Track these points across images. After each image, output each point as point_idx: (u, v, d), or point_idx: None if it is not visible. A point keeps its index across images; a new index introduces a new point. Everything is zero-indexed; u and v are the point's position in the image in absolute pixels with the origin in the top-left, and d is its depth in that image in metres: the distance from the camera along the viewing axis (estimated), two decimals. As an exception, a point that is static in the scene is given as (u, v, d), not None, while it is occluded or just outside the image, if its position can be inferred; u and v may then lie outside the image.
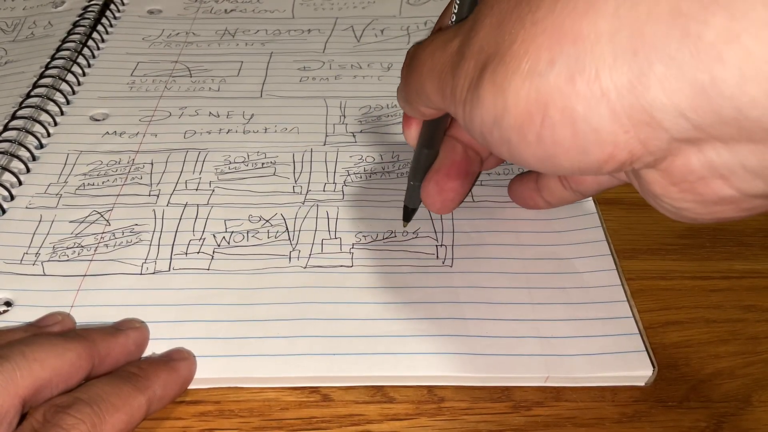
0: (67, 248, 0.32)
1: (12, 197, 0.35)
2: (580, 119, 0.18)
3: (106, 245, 0.32)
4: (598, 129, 0.18)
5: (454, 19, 0.26)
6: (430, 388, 0.27)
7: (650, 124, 0.18)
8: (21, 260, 0.31)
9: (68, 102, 0.41)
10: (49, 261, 0.31)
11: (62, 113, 0.40)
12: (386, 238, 0.33)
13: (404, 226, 0.33)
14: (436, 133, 0.30)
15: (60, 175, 0.36)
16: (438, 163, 0.30)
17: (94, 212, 0.34)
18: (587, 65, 0.18)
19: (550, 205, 0.32)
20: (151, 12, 0.50)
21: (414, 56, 0.26)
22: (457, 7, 0.26)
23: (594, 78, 0.18)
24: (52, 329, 0.27)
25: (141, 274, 0.31)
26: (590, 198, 0.34)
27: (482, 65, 0.21)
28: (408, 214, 0.33)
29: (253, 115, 0.40)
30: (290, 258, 0.32)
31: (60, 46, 0.45)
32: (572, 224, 0.33)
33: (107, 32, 0.47)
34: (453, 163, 0.30)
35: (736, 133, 0.17)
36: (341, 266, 0.31)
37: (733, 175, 0.18)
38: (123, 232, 0.33)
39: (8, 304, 0.30)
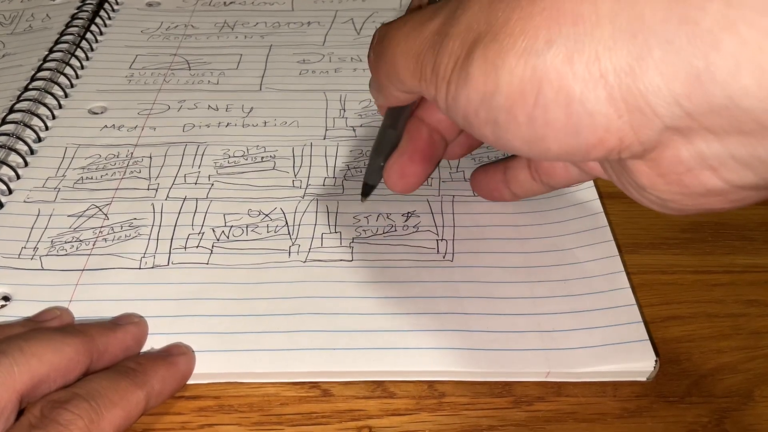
0: (66, 242, 0.32)
1: (10, 191, 0.34)
2: (576, 100, 0.18)
3: (105, 239, 0.32)
4: (593, 111, 0.18)
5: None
6: (430, 383, 0.27)
7: (644, 110, 0.18)
8: (19, 255, 0.31)
9: (66, 95, 0.41)
10: (47, 255, 0.31)
11: (60, 107, 0.40)
12: (386, 232, 0.32)
13: (362, 201, 0.32)
14: (401, 114, 0.30)
15: (58, 168, 0.36)
16: (402, 146, 0.30)
17: (93, 206, 0.34)
18: (587, 46, 0.18)
19: (516, 197, 0.32)
20: (149, 4, 0.50)
21: (385, 37, 0.25)
22: None
23: (593, 60, 0.18)
24: (50, 324, 0.27)
25: (140, 268, 0.31)
26: (591, 184, 0.34)
27: (471, 43, 0.20)
28: (367, 190, 0.32)
29: (252, 108, 0.40)
30: (290, 252, 0.31)
31: (58, 38, 0.45)
32: (573, 213, 0.33)
33: (105, 25, 0.47)
34: (416, 148, 0.29)
35: (726, 123, 0.17)
36: (341, 260, 0.31)
37: (723, 167, 0.18)
38: (121, 227, 0.33)
39: (6, 298, 0.30)
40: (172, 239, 0.32)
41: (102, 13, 0.47)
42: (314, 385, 0.27)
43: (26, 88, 0.40)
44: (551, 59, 0.18)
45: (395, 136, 0.30)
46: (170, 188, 0.35)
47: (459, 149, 0.32)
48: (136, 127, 0.39)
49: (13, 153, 0.36)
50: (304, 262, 0.31)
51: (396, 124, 0.30)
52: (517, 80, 0.19)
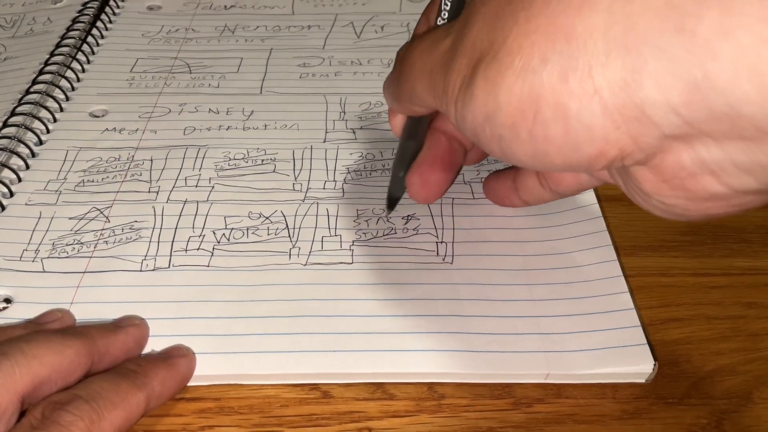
0: (67, 245, 0.32)
1: (11, 194, 0.35)
2: (573, 116, 0.18)
3: (106, 242, 0.32)
4: (590, 126, 0.18)
5: (446, 17, 0.26)
6: (430, 385, 0.27)
7: (641, 120, 0.18)
8: (20, 257, 0.31)
9: (67, 98, 0.41)
10: (48, 258, 0.31)
11: (61, 110, 0.40)
12: (386, 234, 0.32)
13: (387, 214, 0.33)
14: (420, 125, 0.30)
15: (59, 171, 0.36)
16: (422, 155, 0.30)
17: (94, 209, 0.34)
18: (580, 62, 0.18)
19: (526, 204, 0.32)
20: (150, 8, 0.50)
21: (404, 58, 0.26)
22: (449, 5, 0.26)
23: (587, 76, 0.18)
24: (51, 326, 0.27)
25: (140, 270, 0.31)
26: (591, 190, 0.34)
27: (475, 62, 0.21)
28: (392, 203, 0.33)
29: (252, 111, 0.40)
30: (290, 255, 0.32)
31: (59, 42, 0.45)
32: (573, 217, 0.33)
33: (106, 28, 0.47)
34: (437, 156, 0.30)
35: (727, 129, 0.17)
36: (341, 263, 0.31)
37: (723, 172, 0.18)
38: (122, 229, 0.33)
39: (8, 301, 0.30)
40: (172, 242, 0.32)
41: (103, 16, 0.48)
42: (314, 386, 0.27)
43: (28, 91, 0.40)
44: (547, 77, 0.18)
45: (415, 148, 0.30)
46: (171, 191, 0.35)
47: (475, 155, 0.32)
48: (137, 130, 0.39)
49: (14, 156, 0.36)
50: (305, 264, 0.31)
51: (415, 136, 0.30)
52: (515, 99, 0.19)
